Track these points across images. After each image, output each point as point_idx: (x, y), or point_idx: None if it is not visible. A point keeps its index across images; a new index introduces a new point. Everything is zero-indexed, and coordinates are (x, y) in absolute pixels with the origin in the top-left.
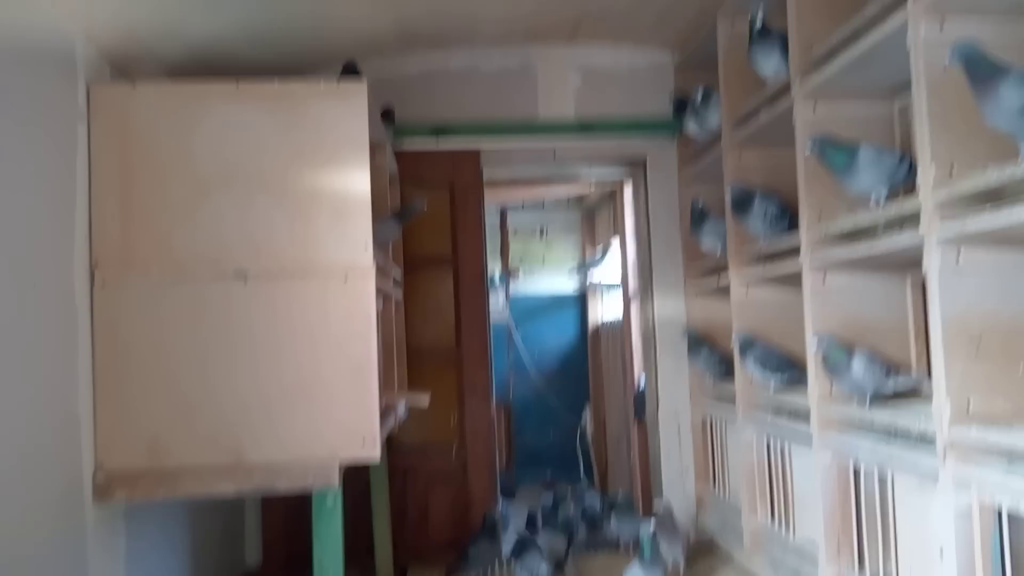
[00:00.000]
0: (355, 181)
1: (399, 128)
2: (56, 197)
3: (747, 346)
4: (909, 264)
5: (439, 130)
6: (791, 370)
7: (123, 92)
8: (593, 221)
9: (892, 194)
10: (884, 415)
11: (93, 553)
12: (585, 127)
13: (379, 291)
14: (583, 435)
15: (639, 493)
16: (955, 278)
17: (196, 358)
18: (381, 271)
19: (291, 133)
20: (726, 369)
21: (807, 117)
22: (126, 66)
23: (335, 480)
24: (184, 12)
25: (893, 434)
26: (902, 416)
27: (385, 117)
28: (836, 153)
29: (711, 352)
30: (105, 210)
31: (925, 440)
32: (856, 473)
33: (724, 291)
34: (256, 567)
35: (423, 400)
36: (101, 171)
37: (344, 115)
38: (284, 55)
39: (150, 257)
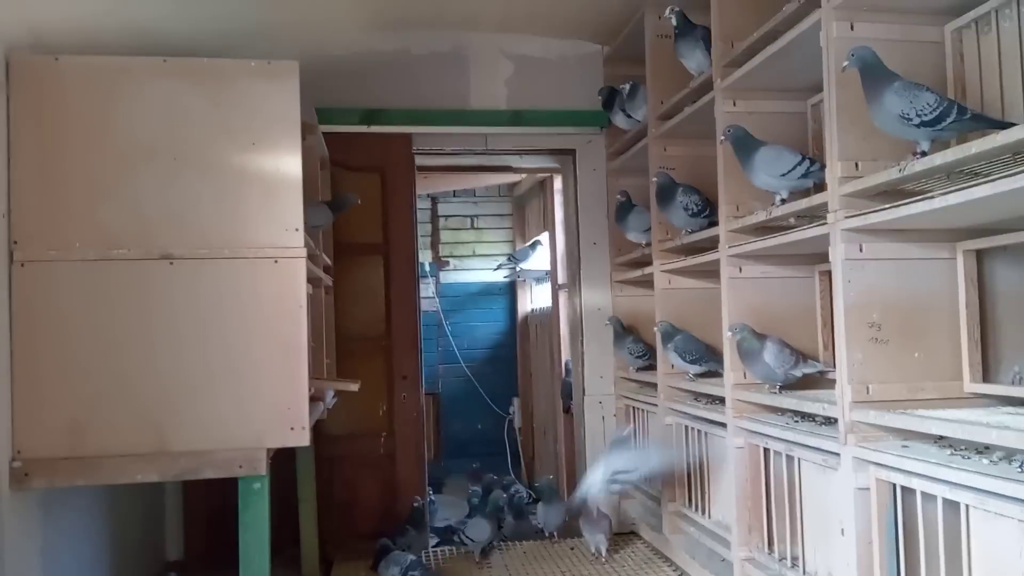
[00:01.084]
0: (285, 162)
1: (327, 112)
2: None
3: (668, 336)
4: (818, 258)
5: (369, 115)
6: (709, 360)
7: (45, 64)
8: (524, 212)
9: (801, 193)
10: (792, 400)
11: (8, 542)
12: (517, 116)
13: (309, 276)
14: (511, 426)
15: (564, 482)
16: (858, 268)
17: (120, 340)
18: (311, 255)
19: (220, 111)
20: (649, 358)
21: (727, 112)
22: (56, 46)
23: (263, 467)
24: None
25: (800, 418)
26: (808, 402)
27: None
28: (742, 146)
29: (635, 342)
30: (26, 185)
31: (829, 423)
32: (767, 456)
33: (649, 282)
34: (177, 559)
35: (352, 385)
36: (21, 144)
37: (275, 94)
38: (215, 33)
39: (72, 235)
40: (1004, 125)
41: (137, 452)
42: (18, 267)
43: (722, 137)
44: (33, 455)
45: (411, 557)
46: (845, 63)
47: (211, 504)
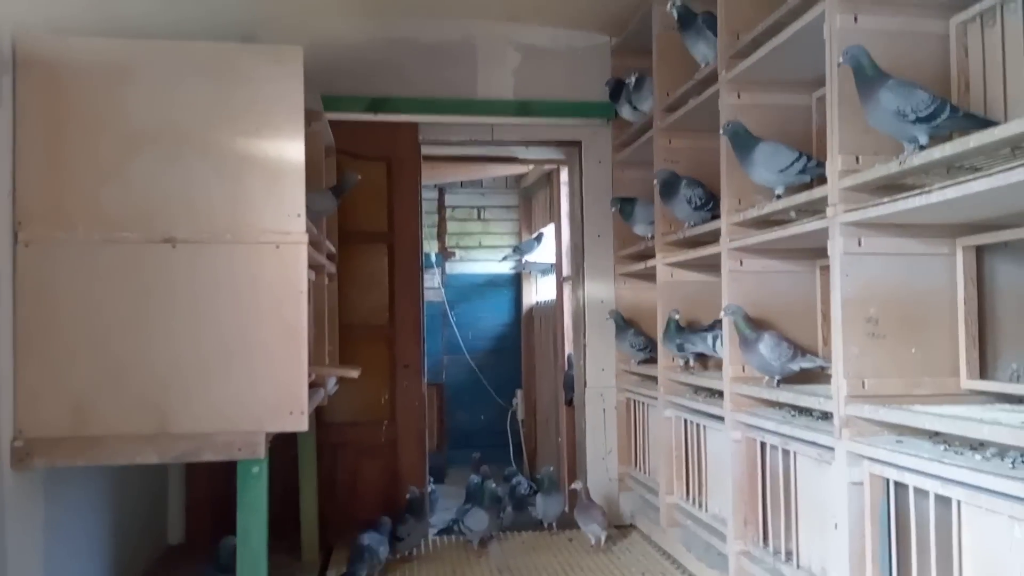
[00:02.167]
0: (289, 147)
1: (334, 100)
2: None
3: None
4: (818, 252)
5: (376, 103)
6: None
7: (51, 43)
8: (531, 203)
9: (797, 188)
10: (788, 395)
11: (10, 521)
12: (523, 106)
13: (311, 263)
14: (514, 417)
15: (566, 474)
16: (856, 262)
17: (122, 322)
18: (314, 242)
19: (224, 94)
20: (650, 351)
21: (731, 104)
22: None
23: (262, 451)
24: None
25: (797, 412)
26: (804, 396)
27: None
28: (740, 142)
29: (636, 335)
30: (31, 166)
31: (825, 418)
32: (763, 450)
33: (652, 275)
34: (179, 543)
35: (353, 372)
36: (27, 125)
37: (279, 79)
38: (220, 18)
39: (76, 216)
40: (992, 124)
41: (138, 433)
42: (22, 247)
43: (721, 131)
44: (35, 434)
45: (363, 546)
46: (840, 60)
47: (213, 489)
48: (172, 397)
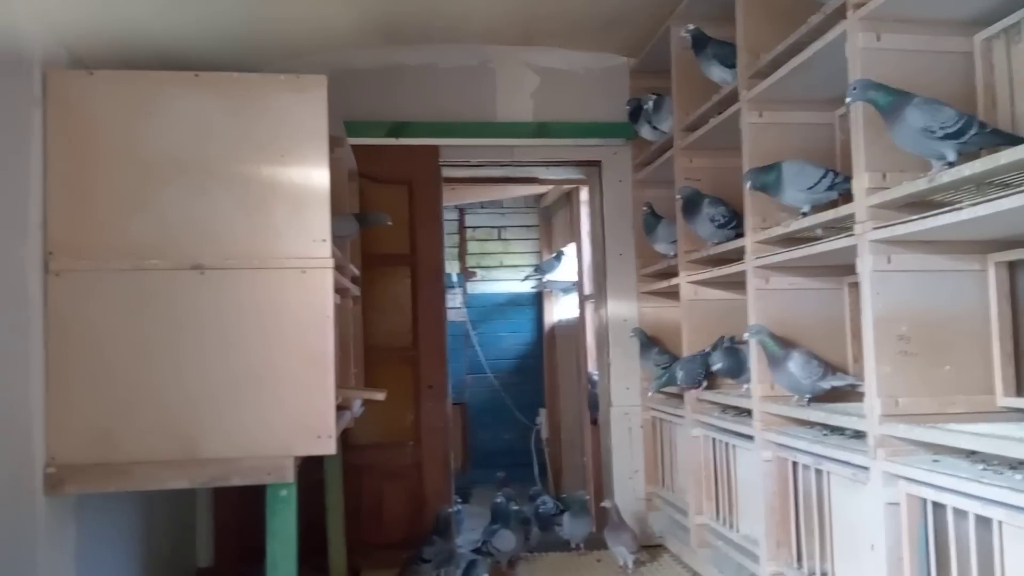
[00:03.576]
0: (314, 174)
1: (355, 125)
2: (9, 183)
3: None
4: (846, 269)
5: (396, 128)
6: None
7: (80, 79)
8: (551, 223)
9: (823, 205)
10: (820, 413)
11: (43, 546)
12: (542, 128)
13: (337, 287)
14: (538, 436)
15: (592, 494)
16: (886, 280)
17: (151, 349)
18: (339, 266)
19: (249, 124)
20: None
21: (752, 123)
22: (88, 62)
23: (290, 475)
24: (147, 8)
25: (829, 431)
26: (836, 415)
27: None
28: (762, 175)
29: (660, 353)
30: (60, 197)
31: (858, 437)
32: (795, 470)
33: (675, 293)
34: (208, 565)
35: (379, 395)
36: (56, 158)
37: (303, 108)
38: (244, 50)
39: (105, 246)
40: (1020, 140)
41: (167, 459)
42: (53, 277)
43: (745, 184)
44: (66, 461)
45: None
46: (848, 99)
47: (241, 511)
48: (201, 422)
